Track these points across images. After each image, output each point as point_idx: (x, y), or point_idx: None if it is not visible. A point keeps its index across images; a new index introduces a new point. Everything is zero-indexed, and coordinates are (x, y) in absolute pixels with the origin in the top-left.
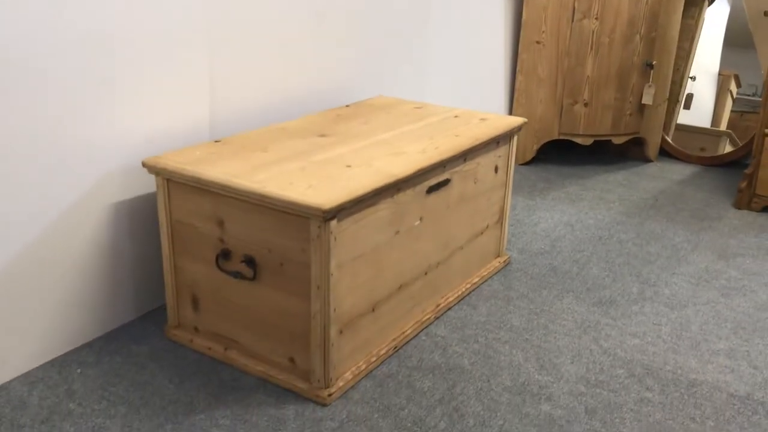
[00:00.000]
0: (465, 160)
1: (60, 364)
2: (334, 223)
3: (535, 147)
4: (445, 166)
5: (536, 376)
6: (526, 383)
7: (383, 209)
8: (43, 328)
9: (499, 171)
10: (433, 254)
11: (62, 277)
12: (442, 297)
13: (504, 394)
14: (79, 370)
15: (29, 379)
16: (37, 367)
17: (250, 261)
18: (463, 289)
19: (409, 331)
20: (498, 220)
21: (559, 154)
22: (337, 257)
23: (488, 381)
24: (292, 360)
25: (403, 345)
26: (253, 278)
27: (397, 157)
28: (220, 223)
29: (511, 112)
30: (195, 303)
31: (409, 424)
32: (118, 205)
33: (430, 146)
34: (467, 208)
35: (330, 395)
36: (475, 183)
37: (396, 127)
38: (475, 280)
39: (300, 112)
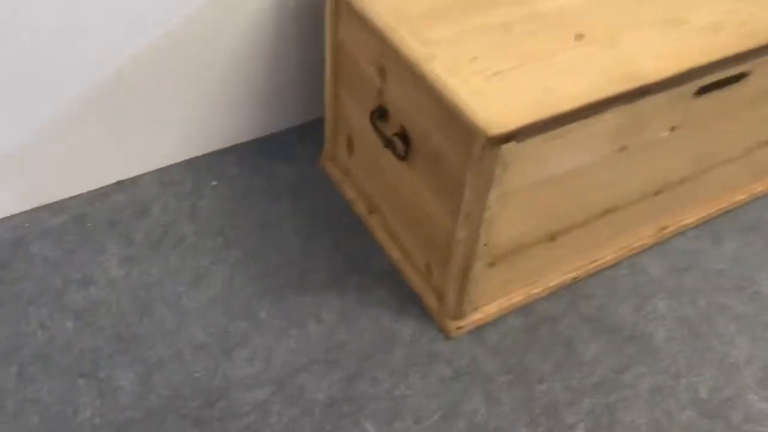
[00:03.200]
0: None
1: (201, 167)
2: (508, 146)
3: None
4: (743, 59)
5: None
6: (737, 408)
7: (607, 120)
8: (195, 119)
9: None
10: (676, 171)
11: (220, 66)
12: (674, 218)
13: (690, 410)
14: (214, 183)
15: (163, 178)
16: (177, 164)
17: (404, 137)
18: (713, 210)
19: (608, 257)
20: None
21: None
22: (505, 186)
23: (677, 379)
24: (428, 268)
25: (590, 276)
26: (404, 158)
27: (669, 31)
28: (382, 73)
29: None
30: (350, 146)
31: (537, 410)
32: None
33: (732, 19)
34: (760, 114)
35: (459, 328)
36: None
37: None
38: (742, 196)
39: None
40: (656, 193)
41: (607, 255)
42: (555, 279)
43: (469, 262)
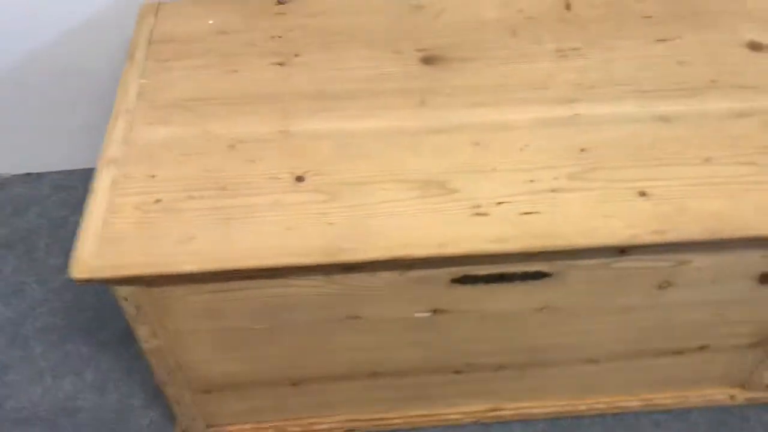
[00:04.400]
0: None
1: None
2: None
3: None
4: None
5: None
6: None
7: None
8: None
9: None
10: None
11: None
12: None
13: None
14: None
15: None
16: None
17: None
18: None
19: (397, 421)
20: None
21: None
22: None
23: None
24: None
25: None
26: None
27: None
28: None
29: None
30: None
31: None
32: None
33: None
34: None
35: None
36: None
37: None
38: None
39: None
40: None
41: (395, 419)
42: (329, 422)
43: (171, 386)
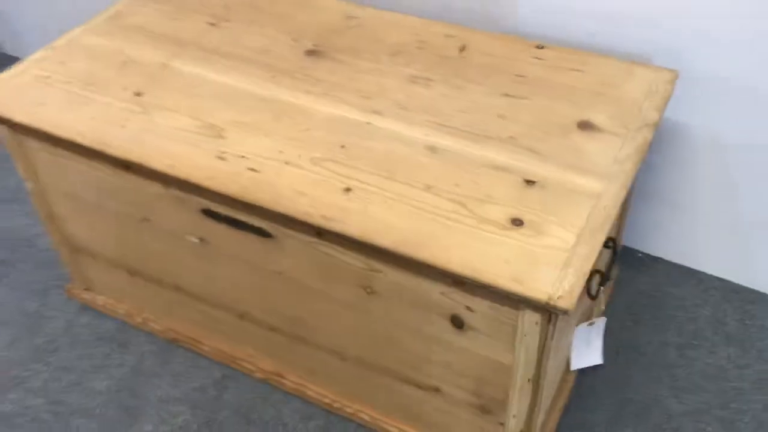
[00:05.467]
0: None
1: None
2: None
3: None
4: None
5: None
6: None
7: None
8: None
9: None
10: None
11: None
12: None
13: None
14: None
15: None
16: None
17: None
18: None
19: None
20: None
21: None
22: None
23: None
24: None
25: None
26: None
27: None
28: None
29: None
30: None
31: None
32: None
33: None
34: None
35: (72, 293)
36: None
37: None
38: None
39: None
40: (242, 316)
41: (204, 345)
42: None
43: (51, 235)
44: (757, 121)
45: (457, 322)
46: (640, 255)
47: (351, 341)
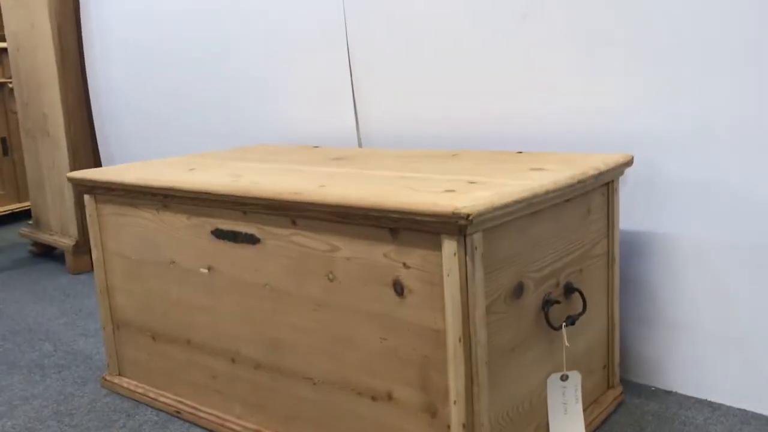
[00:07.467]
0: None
1: None
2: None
3: None
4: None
5: None
6: None
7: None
8: None
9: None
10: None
11: None
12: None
13: None
14: None
15: None
16: None
17: None
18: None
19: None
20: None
21: None
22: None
23: None
24: None
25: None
26: None
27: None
28: None
29: None
30: None
31: None
32: None
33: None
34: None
35: (105, 380)
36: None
37: None
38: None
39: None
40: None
41: (201, 411)
42: (166, 394)
43: (101, 310)
44: (739, 222)
45: (398, 288)
46: (652, 389)
47: (318, 355)
